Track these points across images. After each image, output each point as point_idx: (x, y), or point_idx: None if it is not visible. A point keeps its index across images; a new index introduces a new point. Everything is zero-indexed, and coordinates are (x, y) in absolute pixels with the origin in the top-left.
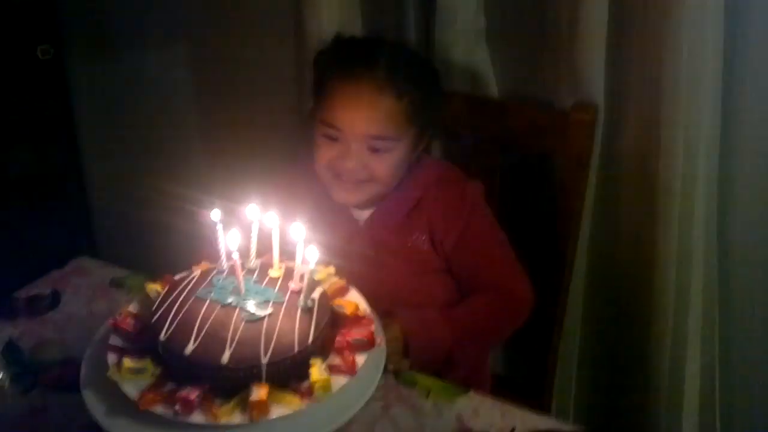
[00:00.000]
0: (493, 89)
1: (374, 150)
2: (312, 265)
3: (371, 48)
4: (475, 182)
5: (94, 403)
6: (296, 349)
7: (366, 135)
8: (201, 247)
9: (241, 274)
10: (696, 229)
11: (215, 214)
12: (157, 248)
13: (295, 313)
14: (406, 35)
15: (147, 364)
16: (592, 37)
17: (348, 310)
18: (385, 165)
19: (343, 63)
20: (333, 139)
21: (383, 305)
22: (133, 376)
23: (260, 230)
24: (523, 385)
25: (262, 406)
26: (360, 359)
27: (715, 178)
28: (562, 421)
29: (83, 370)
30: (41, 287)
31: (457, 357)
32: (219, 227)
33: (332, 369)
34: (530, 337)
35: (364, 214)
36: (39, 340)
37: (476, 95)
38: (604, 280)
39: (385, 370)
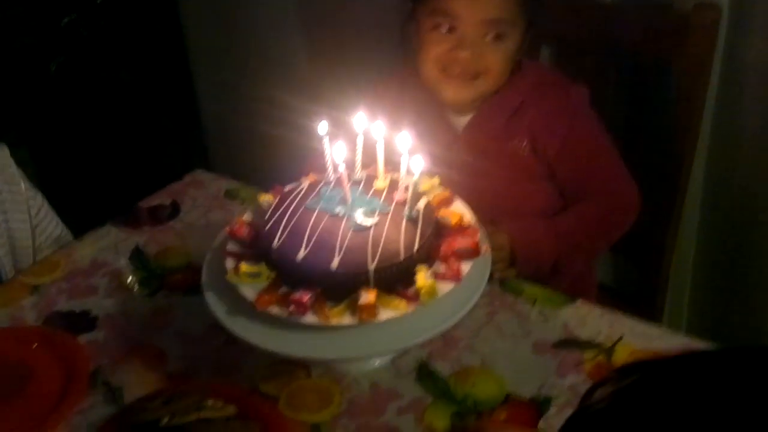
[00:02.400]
0: None
1: (491, 36)
2: (417, 176)
3: None
4: (580, 86)
5: (215, 304)
6: (402, 255)
7: (484, 19)
8: (309, 159)
9: (347, 185)
10: None
11: (322, 127)
12: (268, 161)
13: (401, 223)
14: None
15: (262, 268)
16: None
17: (453, 221)
18: (500, 55)
19: None
20: (445, 31)
21: (485, 213)
22: (249, 279)
23: (366, 141)
24: (633, 296)
25: (371, 309)
26: (465, 267)
27: None
28: (673, 331)
29: (204, 274)
30: (162, 198)
31: (564, 265)
32: (326, 140)
33: (438, 276)
34: (643, 249)
35: (463, 121)
36: (162, 246)
37: None
38: (724, 188)
39: (491, 278)
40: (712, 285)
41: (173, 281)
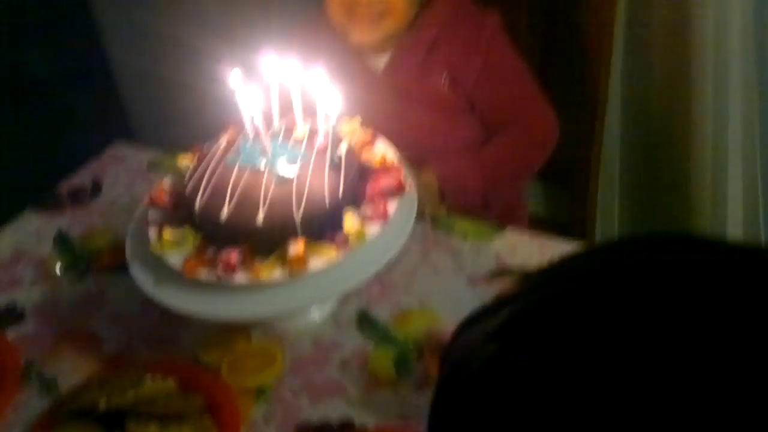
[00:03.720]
0: None
1: None
2: (334, 120)
3: None
4: (492, 12)
5: (142, 278)
6: (327, 204)
7: None
8: (226, 114)
9: (266, 137)
10: (732, 38)
11: (234, 77)
12: (186, 116)
13: (324, 170)
14: None
15: (186, 233)
16: None
17: (376, 162)
18: None
19: None
20: None
21: (410, 152)
22: (174, 246)
23: (281, 88)
24: (565, 225)
25: (301, 260)
26: (392, 206)
27: None
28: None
29: (128, 249)
30: (82, 178)
31: (492, 195)
32: (239, 91)
33: (365, 218)
34: (569, 176)
35: (381, 61)
36: (87, 228)
37: None
38: (640, 107)
39: (422, 217)
40: (639, 204)
41: (101, 262)
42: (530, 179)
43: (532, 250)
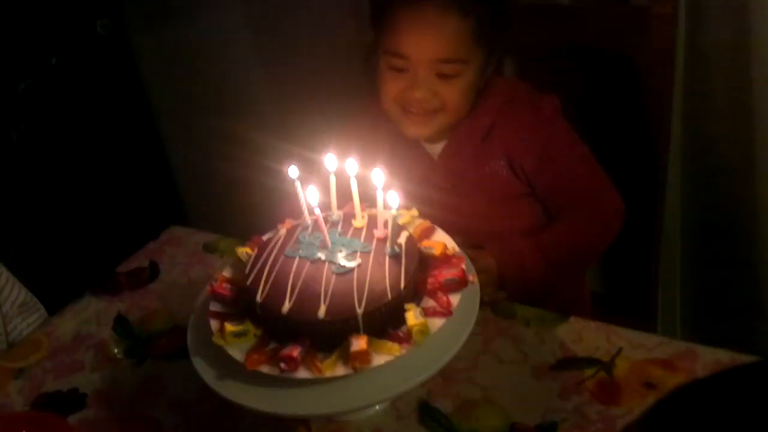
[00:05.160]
0: None
1: (443, 76)
2: (394, 210)
3: None
4: (550, 96)
5: (204, 369)
6: (389, 296)
7: (433, 59)
8: (284, 204)
9: (325, 227)
10: None
11: (293, 171)
12: (244, 207)
13: (384, 261)
14: None
15: (248, 326)
16: None
17: (436, 251)
18: (456, 91)
19: None
20: (399, 70)
21: (470, 239)
22: (236, 339)
23: (339, 180)
24: (626, 303)
25: (364, 356)
26: (454, 299)
27: None
28: (670, 337)
29: (189, 338)
30: (139, 260)
31: (554, 281)
32: (297, 183)
33: (428, 312)
34: (629, 252)
35: (438, 148)
36: (145, 311)
37: (544, 2)
38: (701, 187)
39: (482, 303)
40: (701, 279)
41: (160, 347)
42: (594, 264)
43: (598, 338)
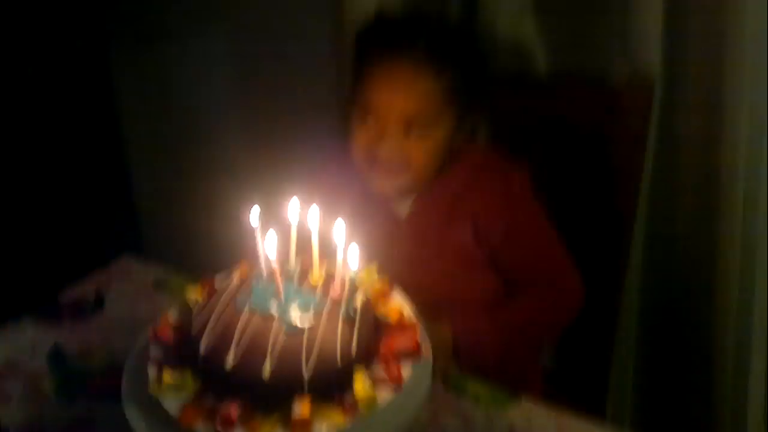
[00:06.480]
0: (541, 65)
1: (411, 133)
2: (353, 270)
3: (410, 24)
4: (521, 170)
5: (136, 418)
6: (339, 362)
7: (401, 116)
8: (242, 247)
9: (280, 279)
10: (762, 218)
11: (253, 217)
12: (202, 243)
13: (337, 323)
14: (450, 9)
15: (187, 377)
16: (649, 5)
17: (392, 318)
18: (423, 150)
19: (380, 41)
20: (368, 123)
21: (426, 303)
22: (173, 391)
23: (300, 229)
24: (577, 381)
25: (305, 425)
26: (406, 370)
27: None
28: (618, 429)
29: (124, 383)
30: (85, 289)
31: (508, 356)
32: (257, 230)
33: (377, 380)
34: (584, 333)
35: (405, 207)
36: (84, 345)
37: (522, 73)
38: (662, 275)
39: (433, 373)
40: (656, 363)
41: (95, 386)
42: (550, 342)
43: (549, 425)
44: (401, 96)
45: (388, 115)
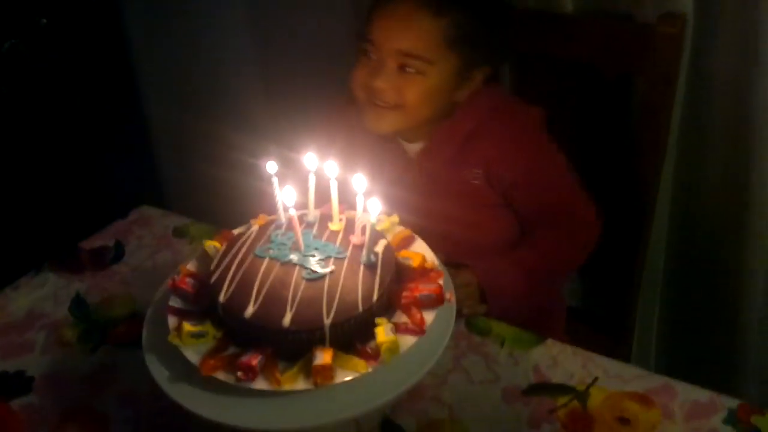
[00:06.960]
0: (567, 3)
1: (406, 71)
2: (373, 216)
3: None
4: (535, 109)
5: (156, 368)
6: (360, 308)
7: (398, 50)
8: (260, 199)
9: (299, 229)
10: None
11: (271, 167)
12: (221, 195)
13: (358, 269)
14: None
15: (207, 327)
16: None
17: (414, 263)
18: (416, 90)
19: None
20: (368, 56)
21: (446, 246)
22: (193, 340)
23: (318, 180)
24: (603, 320)
25: (327, 372)
26: (429, 316)
27: None
28: (644, 367)
29: (144, 333)
30: (105, 238)
31: (531, 295)
32: (275, 180)
33: (399, 328)
34: (610, 273)
35: (416, 147)
36: (105, 294)
37: (546, 10)
38: (690, 216)
39: (460, 315)
40: (681, 303)
41: (117, 334)
42: (569, 276)
43: (574, 365)
44: (398, 30)
45: (383, 47)
